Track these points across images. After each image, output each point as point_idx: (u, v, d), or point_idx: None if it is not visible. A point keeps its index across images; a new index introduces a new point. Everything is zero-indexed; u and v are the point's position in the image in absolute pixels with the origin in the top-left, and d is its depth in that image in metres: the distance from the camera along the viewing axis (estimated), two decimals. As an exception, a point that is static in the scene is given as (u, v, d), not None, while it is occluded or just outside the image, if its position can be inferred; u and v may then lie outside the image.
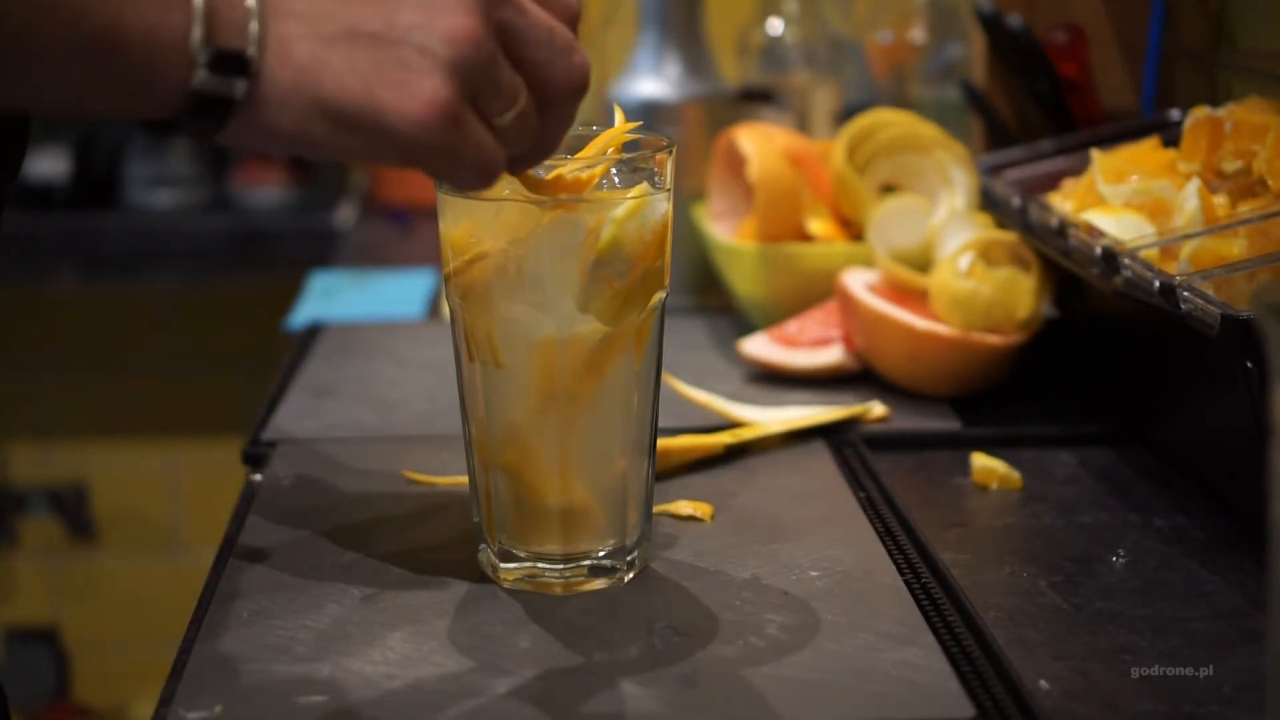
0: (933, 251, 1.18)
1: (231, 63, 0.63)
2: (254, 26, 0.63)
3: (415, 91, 0.64)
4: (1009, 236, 1.13)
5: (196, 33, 0.62)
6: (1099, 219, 1.01)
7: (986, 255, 1.12)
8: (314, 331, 1.31)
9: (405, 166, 0.67)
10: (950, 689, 0.71)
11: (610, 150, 0.79)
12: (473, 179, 0.67)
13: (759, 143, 1.25)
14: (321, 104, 0.64)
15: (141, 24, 0.61)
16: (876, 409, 1.08)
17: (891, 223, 1.19)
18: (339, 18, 0.64)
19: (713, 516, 0.91)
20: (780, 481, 0.97)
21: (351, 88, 0.64)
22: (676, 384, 1.06)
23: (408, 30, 0.64)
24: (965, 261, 1.11)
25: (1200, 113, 1.02)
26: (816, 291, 1.21)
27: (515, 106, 0.68)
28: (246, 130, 0.65)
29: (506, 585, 0.82)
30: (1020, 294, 1.10)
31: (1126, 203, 1.02)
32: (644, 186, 0.78)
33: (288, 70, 0.64)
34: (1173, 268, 0.91)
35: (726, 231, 1.31)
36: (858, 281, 1.15)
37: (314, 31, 0.64)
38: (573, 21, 0.71)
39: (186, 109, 0.64)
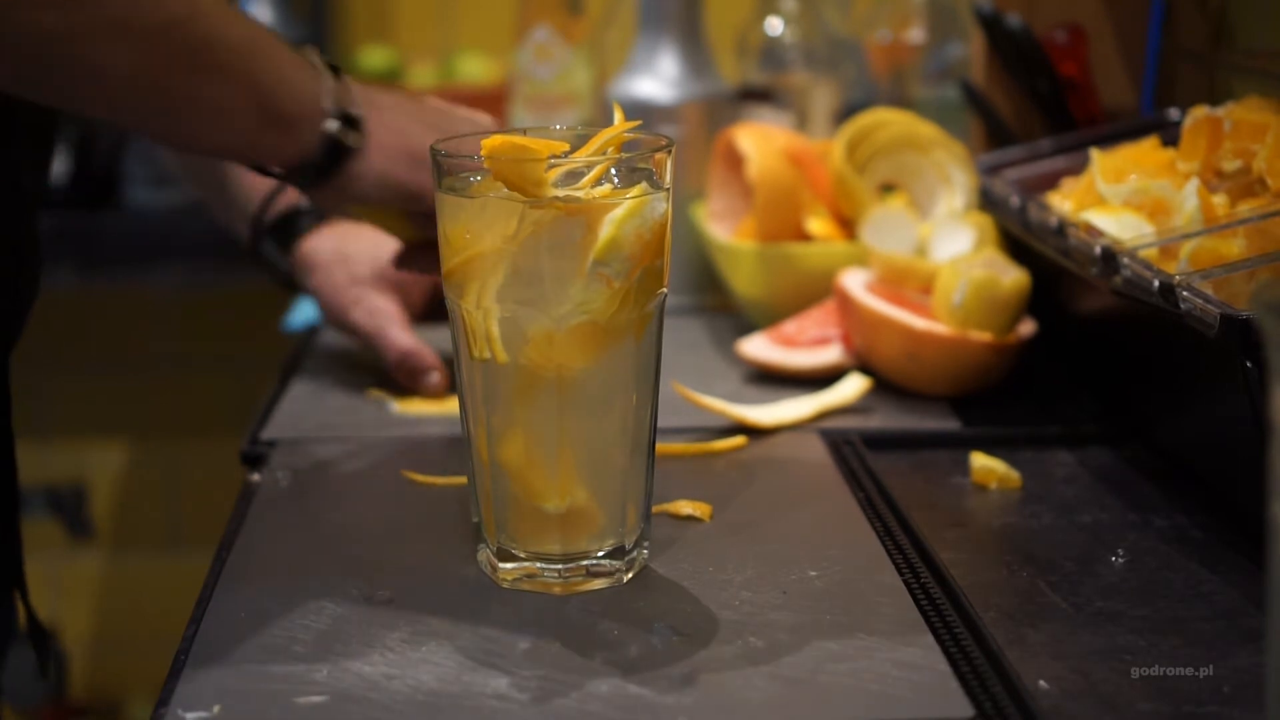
0: (926, 252, 1.18)
1: (350, 121, 0.91)
2: (360, 105, 0.92)
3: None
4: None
5: (329, 98, 0.90)
6: (1098, 218, 1.01)
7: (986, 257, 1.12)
8: (313, 331, 1.31)
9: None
10: (949, 689, 0.71)
11: (609, 149, 0.79)
12: None
13: (758, 142, 1.25)
14: (408, 149, 0.94)
15: (295, 88, 0.89)
16: (854, 383, 1.09)
17: (880, 231, 1.19)
18: (413, 113, 0.97)
19: (712, 516, 0.91)
20: (780, 481, 0.97)
21: (429, 140, 0.88)
22: (686, 391, 1.06)
23: (460, 126, 0.98)
24: (965, 269, 1.11)
25: (1199, 112, 1.02)
26: (815, 291, 1.21)
27: None
28: (350, 173, 0.92)
29: (506, 585, 0.82)
30: (1017, 293, 1.10)
31: (1126, 202, 1.02)
32: (643, 186, 0.78)
33: (385, 131, 0.94)
34: (1172, 267, 0.91)
35: (726, 231, 1.31)
36: (856, 281, 1.15)
37: (401, 112, 0.96)
38: None
39: (318, 150, 0.90)
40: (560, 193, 0.77)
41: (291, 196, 1.21)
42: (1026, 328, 1.13)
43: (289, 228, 1.20)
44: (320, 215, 1.22)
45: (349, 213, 1.07)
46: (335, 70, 0.93)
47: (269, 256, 1.21)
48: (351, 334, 1.17)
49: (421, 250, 1.04)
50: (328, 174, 0.92)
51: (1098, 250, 0.96)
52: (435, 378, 1.12)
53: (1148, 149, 1.08)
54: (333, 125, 0.90)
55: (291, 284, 1.21)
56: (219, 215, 1.28)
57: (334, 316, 1.17)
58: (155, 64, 0.82)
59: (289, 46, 0.91)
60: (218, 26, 0.84)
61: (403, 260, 1.06)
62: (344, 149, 0.92)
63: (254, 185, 1.22)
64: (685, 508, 0.91)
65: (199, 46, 0.83)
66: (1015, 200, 1.13)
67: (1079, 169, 1.13)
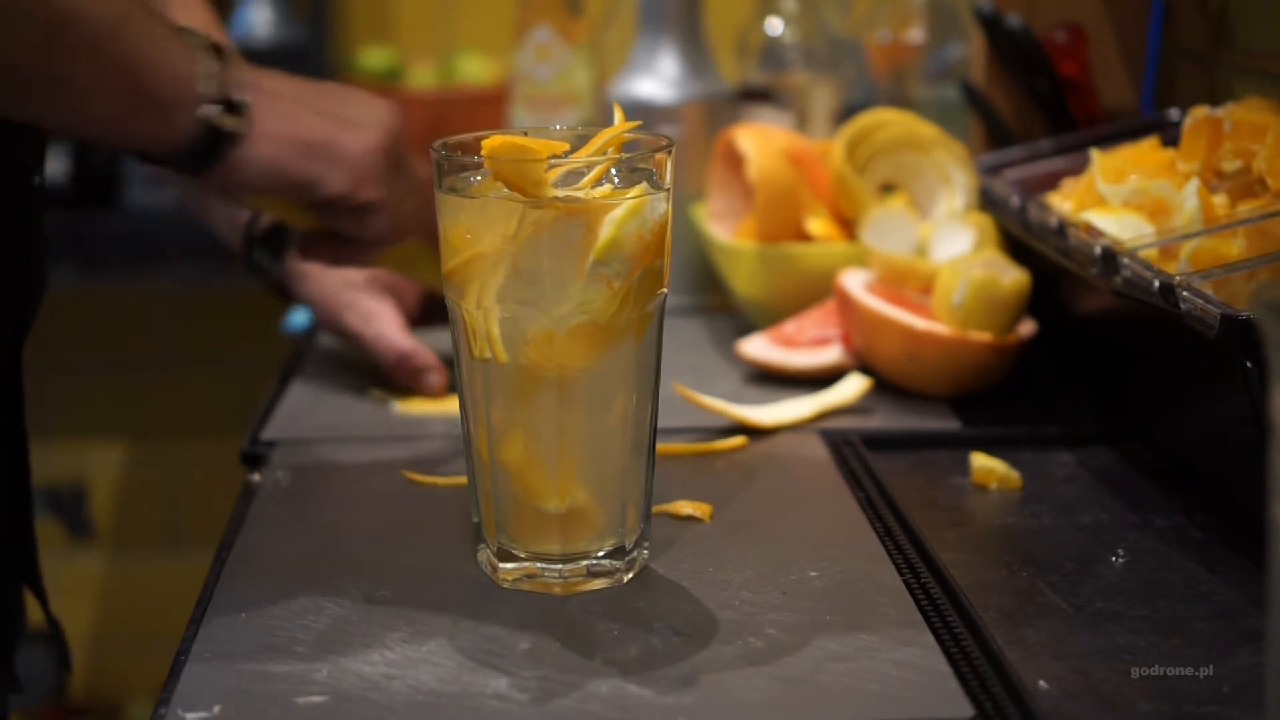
0: (926, 253, 1.18)
1: (232, 106, 0.87)
2: (248, 93, 0.88)
3: (364, 137, 0.93)
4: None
5: (209, 82, 0.86)
6: (1098, 219, 1.01)
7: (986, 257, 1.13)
8: (313, 332, 1.31)
9: (344, 199, 0.93)
10: (949, 689, 0.71)
11: (610, 150, 0.79)
12: (383, 226, 0.96)
13: (758, 143, 1.25)
14: (297, 138, 0.91)
15: (170, 70, 0.84)
16: (854, 383, 1.09)
17: (880, 231, 1.19)
18: (307, 98, 0.93)
19: (712, 516, 0.91)
20: (780, 481, 0.97)
21: (321, 129, 0.92)
22: (686, 392, 1.06)
23: (358, 114, 0.94)
24: (966, 270, 1.11)
25: (1199, 112, 1.02)
26: (815, 291, 1.21)
27: (417, 196, 0.97)
28: (232, 159, 0.88)
29: (506, 585, 0.82)
30: (1017, 293, 1.10)
31: (1126, 202, 1.02)
32: (643, 186, 0.78)
33: (273, 118, 0.90)
34: (1172, 267, 0.91)
35: (726, 231, 1.31)
36: (856, 281, 1.15)
37: (292, 99, 0.92)
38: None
39: (196, 136, 0.86)
40: (560, 193, 0.77)
41: None
42: (1026, 328, 1.13)
43: (279, 237, 1.18)
44: None
45: (246, 202, 1.03)
46: (221, 52, 0.88)
47: (262, 266, 1.20)
48: (347, 339, 1.16)
49: (325, 239, 1.00)
50: (208, 161, 0.88)
51: (1098, 250, 0.96)
52: (435, 377, 1.12)
53: (1148, 149, 1.08)
54: (210, 110, 0.86)
55: (286, 293, 1.20)
56: (217, 226, 1.27)
57: (328, 322, 1.16)
58: (10, 43, 0.78)
59: (171, 28, 0.86)
60: (79, 3, 0.79)
61: (305, 248, 1.00)
62: (224, 135, 0.87)
63: None
64: (685, 508, 0.91)
65: (58, 24, 0.79)
66: (1015, 200, 1.13)
67: (1079, 169, 1.13)
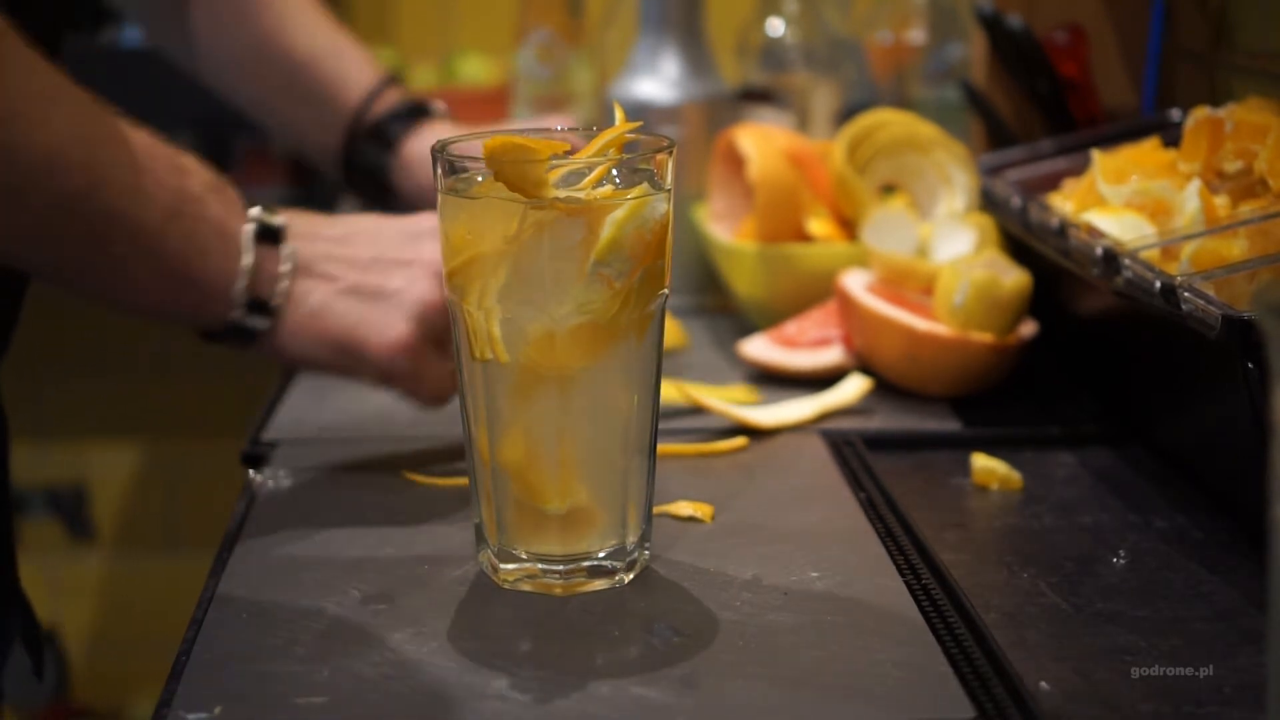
0: (927, 253, 1.18)
1: (261, 307, 0.91)
2: (283, 285, 0.92)
3: (386, 333, 0.93)
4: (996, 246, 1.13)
5: (240, 284, 0.90)
6: (1099, 219, 1.01)
7: (987, 257, 1.13)
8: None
9: (381, 385, 0.95)
10: (950, 689, 0.71)
11: (610, 150, 0.79)
12: (429, 399, 0.96)
13: (759, 143, 1.25)
14: (322, 336, 0.93)
15: (207, 270, 0.88)
16: (855, 383, 1.09)
17: (881, 232, 1.19)
18: (349, 278, 0.93)
19: (713, 517, 0.91)
20: (780, 482, 0.97)
21: (345, 327, 0.93)
22: (688, 391, 1.06)
23: (393, 293, 0.93)
24: (967, 270, 1.11)
25: (1200, 113, 1.02)
26: (816, 292, 1.21)
27: None
28: (267, 347, 0.93)
29: (506, 585, 0.81)
30: (1018, 294, 1.10)
31: (1127, 203, 1.02)
32: (644, 187, 0.78)
33: (301, 314, 0.92)
34: (1173, 268, 0.91)
35: (726, 231, 1.31)
36: (857, 282, 1.15)
37: (329, 287, 0.93)
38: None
39: (224, 330, 0.91)
40: (561, 193, 0.77)
41: (391, 98, 1.22)
42: (1027, 328, 1.13)
43: (387, 129, 1.22)
44: (423, 114, 1.27)
45: None
46: (272, 233, 0.91)
47: (365, 160, 1.21)
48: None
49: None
50: (244, 346, 0.93)
51: (1099, 251, 0.96)
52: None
53: (1149, 150, 1.08)
54: (237, 312, 0.91)
55: (381, 193, 1.21)
56: (296, 130, 1.28)
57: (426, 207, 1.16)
58: (53, 234, 0.82)
59: (221, 218, 0.89)
60: (124, 201, 0.84)
61: None
62: (249, 331, 0.92)
63: (348, 93, 1.24)
64: (686, 508, 0.91)
65: (102, 220, 0.83)
66: (1016, 201, 1.13)
67: (1080, 170, 1.13)
